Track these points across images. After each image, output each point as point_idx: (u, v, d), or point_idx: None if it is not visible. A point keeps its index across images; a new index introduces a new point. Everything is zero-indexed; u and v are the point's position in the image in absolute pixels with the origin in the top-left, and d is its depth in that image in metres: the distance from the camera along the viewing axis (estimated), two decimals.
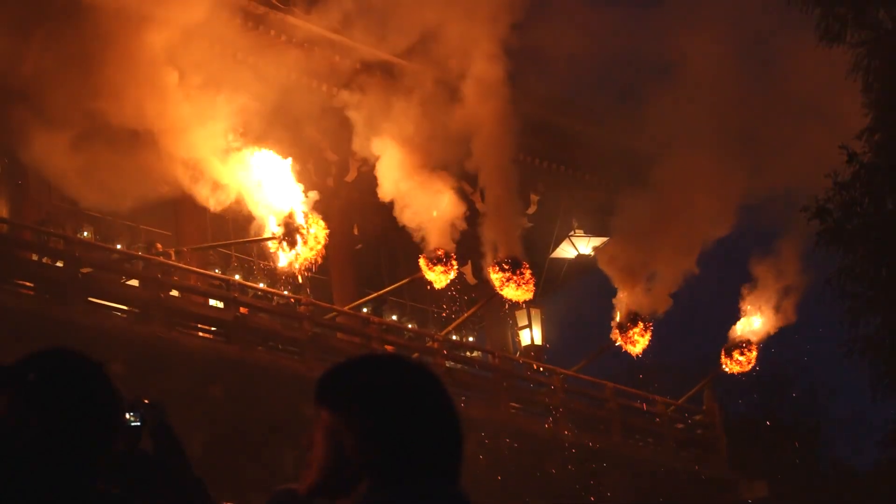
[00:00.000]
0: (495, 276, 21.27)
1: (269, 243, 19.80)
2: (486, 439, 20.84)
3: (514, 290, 21.31)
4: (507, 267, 21.15)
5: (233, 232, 22.47)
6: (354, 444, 2.73)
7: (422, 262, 20.82)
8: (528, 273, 21.32)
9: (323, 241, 19.63)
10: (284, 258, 19.65)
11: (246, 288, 20.74)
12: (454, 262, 20.86)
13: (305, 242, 19.46)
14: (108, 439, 3.30)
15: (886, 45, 14.04)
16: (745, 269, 24.59)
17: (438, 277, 20.76)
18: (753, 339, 24.17)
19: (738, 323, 24.36)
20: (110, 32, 18.47)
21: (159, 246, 20.48)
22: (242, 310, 20.00)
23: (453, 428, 2.85)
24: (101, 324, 18.20)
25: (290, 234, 19.48)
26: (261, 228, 19.87)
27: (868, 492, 32.33)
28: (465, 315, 23.29)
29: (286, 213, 19.49)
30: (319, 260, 19.85)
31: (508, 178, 21.36)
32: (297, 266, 19.65)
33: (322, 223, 19.63)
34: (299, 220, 19.44)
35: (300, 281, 21.04)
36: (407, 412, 2.75)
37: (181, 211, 21.53)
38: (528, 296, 21.71)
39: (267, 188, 19.54)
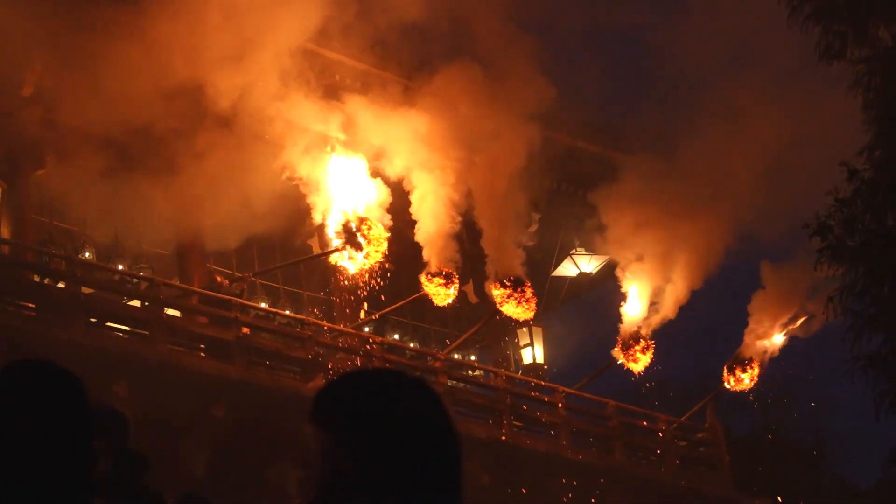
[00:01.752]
0: (497, 293, 21.27)
1: (335, 255, 20.02)
2: (488, 458, 20.82)
3: (515, 308, 21.30)
4: (508, 284, 21.14)
5: (234, 254, 22.48)
6: (349, 461, 2.70)
7: (423, 278, 20.81)
8: (529, 291, 21.31)
9: (385, 242, 19.80)
10: (353, 265, 19.81)
11: (247, 308, 20.75)
12: (456, 280, 20.85)
13: (370, 242, 19.60)
14: (82, 453, 3.23)
15: (886, 61, 14.07)
16: (748, 286, 24.60)
17: (437, 291, 20.74)
18: (758, 357, 24.14)
19: (745, 340, 24.33)
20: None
21: (220, 278, 20.63)
22: (244, 330, 20.02)
23: (450, 442, 2.78)
24: (103, 344, 18.22)
25: (352, 237, 19.61)
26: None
27: None
28: (467, 334, 23.28)
29: (344, 220, 19.66)
30: (385, 261, 20.05)
31: (509, 197, 21.36)
32: (367, 266, 19.81)
33: (380, 225, 19.81)
34: (355, 224, 19.66)
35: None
36: (400, 428, 2.71)
37: (182, 233, 21.56)
38: (530, 314, 21.71)
39: (325, 192, 19.80)
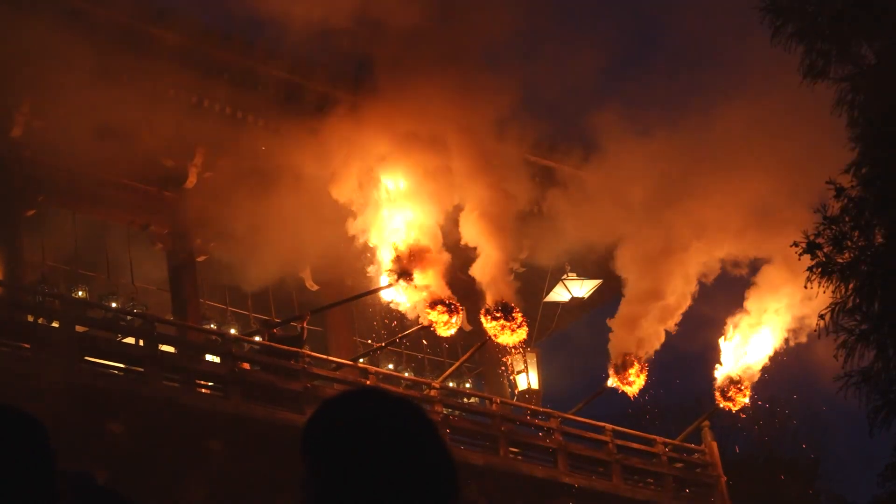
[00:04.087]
0: (489, 326, 21.32)
1: (388, 288, 20.26)
2: (486, 484, 20.80)
3: (509, 336, 21.36)
4: (498, 315, 21.16)
5: (227, 289, 22.49)
6: (333, 488, 2.62)
7: (426, 307, 20.82)
8: (519, 317, 21.34)
9: (439, 269, 20.01)
10: (406, 297, 19.99)
11: (242, 342, 20.77)
12: (460, 309, 20.90)
13: (423, 270, 19.77)
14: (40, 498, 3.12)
15: (870, 79, 14.15)
16: (739, 304, 24.66)
17: (440, 319, 20.71)
18: (744, 375, 24.20)
19: (724, 359, 24.41)
20: None
21: (276, 331, 20.75)
22: (244, 365, 20.05)
23: (440, 466, 2.67)
24: (98, 383, 18.20)
25: (403, 270, 19.80)
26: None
27: None
28: (459, 361, 23.26)
29: (393, 254, 19.86)
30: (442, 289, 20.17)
31: (500, 222, 21.41)
32: (423, 296, 19.98)
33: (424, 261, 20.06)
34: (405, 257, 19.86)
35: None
36: (382, 453, 2.62)
37: (176, 269, 21.58)
38: (522, 336, 21.66)
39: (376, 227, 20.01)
